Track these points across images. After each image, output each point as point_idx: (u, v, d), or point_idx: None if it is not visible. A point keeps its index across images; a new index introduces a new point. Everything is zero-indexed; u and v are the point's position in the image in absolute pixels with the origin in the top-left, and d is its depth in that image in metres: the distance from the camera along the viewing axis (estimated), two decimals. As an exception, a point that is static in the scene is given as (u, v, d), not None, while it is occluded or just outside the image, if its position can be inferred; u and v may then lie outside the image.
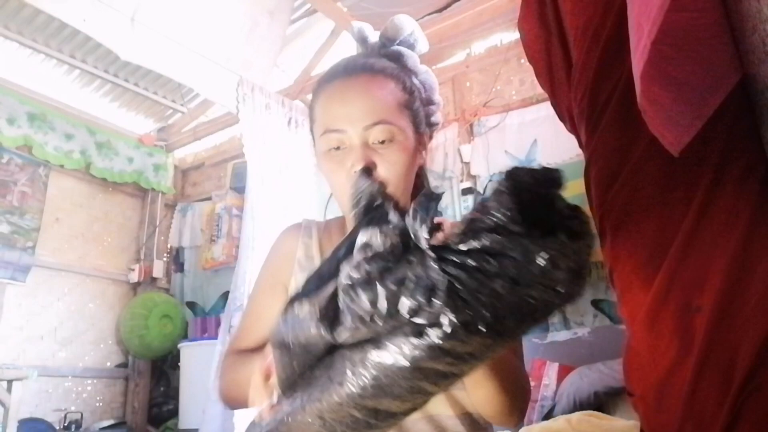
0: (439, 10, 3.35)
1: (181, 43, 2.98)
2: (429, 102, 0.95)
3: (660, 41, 0.61)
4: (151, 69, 3.17)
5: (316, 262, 0.92)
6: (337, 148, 0.83)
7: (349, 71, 0.86)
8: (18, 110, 3.66)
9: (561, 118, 1.10)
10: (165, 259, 4.58)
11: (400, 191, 0.84)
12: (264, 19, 3.21)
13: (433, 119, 0.97)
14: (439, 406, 0.81)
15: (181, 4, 2.92)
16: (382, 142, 0.81)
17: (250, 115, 3.14)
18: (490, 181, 3.21)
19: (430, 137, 0.98)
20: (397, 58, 0.92)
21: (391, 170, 0.81)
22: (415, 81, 0.93)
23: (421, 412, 0.79)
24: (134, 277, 4.30)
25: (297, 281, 0.92)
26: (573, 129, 1.02)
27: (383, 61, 0.89)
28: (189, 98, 4.36)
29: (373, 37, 0.97)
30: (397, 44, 0.94)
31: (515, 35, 3.26)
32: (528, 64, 1.15)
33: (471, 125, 3.39)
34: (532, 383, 2.53)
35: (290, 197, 3.19)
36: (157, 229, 4.52)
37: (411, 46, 0.95)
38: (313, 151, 0.90)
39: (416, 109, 0.89)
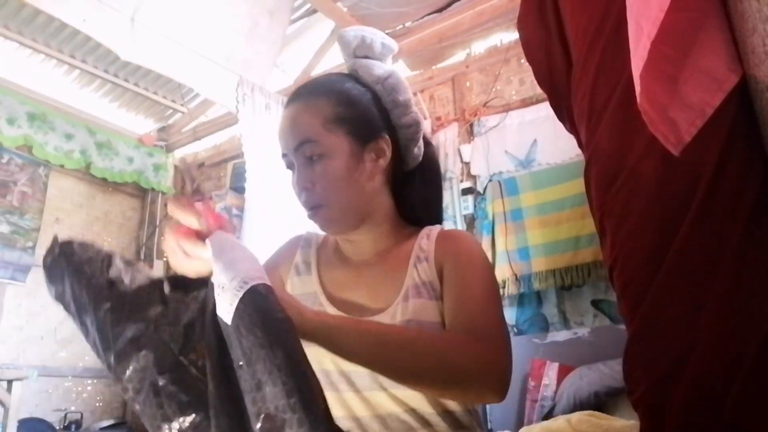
0: (439, 10, 3.35)
1: (181, 43, 2.98)
2: (393, 105, 0.97)
3: (660, 41, 0.61)
4: (151, 69, 3.17)
5: (313, 268, 0.98)
6: (291, 169, 0.93)
7: (289, 101, 0.95)
8: (18, 110, 3.66)
9: (561, 118, 1.10)
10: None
11: (342, 202, 0.90)
12: (264, 19, 3.21)
13: (403, 120, 0.98)
14: (419, 401, 0.83)
15: (181, 4, 2.92)
16: (311, 159, 0.89)
17: (249, 115, 3.14)
18: (489, 181, 3.21)
19: (411, 138, 1.00)
20: (355, 71, 0.99)
21: (324, 184, 0.89)
22: (376, 87, 0.97)
23: (401, 405, 0.82)
24: (134, 277, 4.30)
25: (293, 284, 0.98)
26: (573, 129, 1.02)
27: (323, 81, 0.97)
28: (189, 98, 4.36)
29: (347, 50, 1.01)
30: (355, 57, 0.99)
31: (515, 35, 3.26)
32: (528, 64, 1.15)
33: (471, 125, 3.39)
34: (532, 383, 2.53)
35: (290, 197, 3.19)
36: (157, 229, 4.52)
37: (368, 55, 0.99)
38: None
39: (357, 118, 0.92)
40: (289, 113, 0.93)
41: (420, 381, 0.75)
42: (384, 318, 0.86)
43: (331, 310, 0.90)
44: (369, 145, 0.92)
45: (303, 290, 0.95)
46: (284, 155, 0.94)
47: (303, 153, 0.89)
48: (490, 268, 0.93)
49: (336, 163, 0.88)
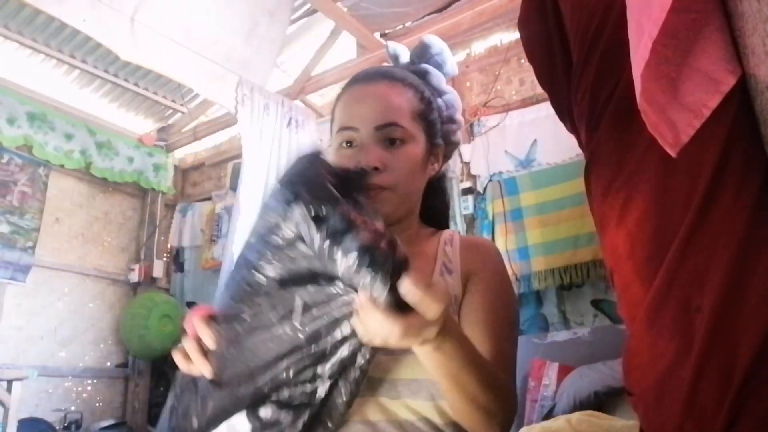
0: (439, 10, 3.35)
1: (181, 43, 2.98)
2: (449, 120, 0.99)
3: (660, 42, 0.62)
4: (151, 69, 3.17)
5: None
6: (349, 145, 0.88)
7: (370, 77, 0.92)
8: (18, 110, 3.66)
9: (561, 118, 1.10)
10: (165, 259, 4.58)
11: (406, 192, 0.88)
12: (264, 19, 3.21)
13: (453, 138, 1.01)
14: (430, 411, 0.81)
15: (181, 4, 2.92)
16: (393, 143, 0.86)
17: (248, 115, 3.14)
18: (489, 181, 3.21)
19: (448, 155, 1.01)
20: (423, 75, 0.98)
21: (396, 172, 0.86)
22: (438, 98, 0.98)
23: (415, 414, 0.80)
24: (134, 277, 4.30)
25: None
26: (573, 129, 1.02)
27: (407, 73, 0.95)
28: (189, 98, 4.36)
29: (405, 57, 1.04)
30: (425, 62, 1.00)
31: (515, 35, 3.26)
32: (528, 64, 1.16)
33: (471, 125, 3.39)
34: (532, 383, 2.53)
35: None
36: (157, 229, 4.52)
37: (438, 66, 1.01)
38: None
39: (432, 120, 0.93)
40: (375, 90, 0.89)
41: (481, 410, 0.72)
42: None
43: None
44: (434, 150, 0.94)
45: None
46: (349, 128, 0.88)
47: (386, 133, 0.86)
48: (514, 292, 0.93)
49: (415, 154, 0.88)
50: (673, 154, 0.66)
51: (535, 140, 3.13)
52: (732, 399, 0.64)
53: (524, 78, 3.31)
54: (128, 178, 4.31)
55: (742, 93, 0.68)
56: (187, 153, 4.86)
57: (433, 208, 1.02)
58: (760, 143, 0.69)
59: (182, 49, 3.00)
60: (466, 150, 3.33)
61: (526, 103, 3.24)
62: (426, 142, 0.91)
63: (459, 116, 1.02)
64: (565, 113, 1.05)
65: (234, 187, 4.32)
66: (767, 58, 0.62)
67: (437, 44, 1.01)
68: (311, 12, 3.54)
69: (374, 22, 3.39)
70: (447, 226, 1.04)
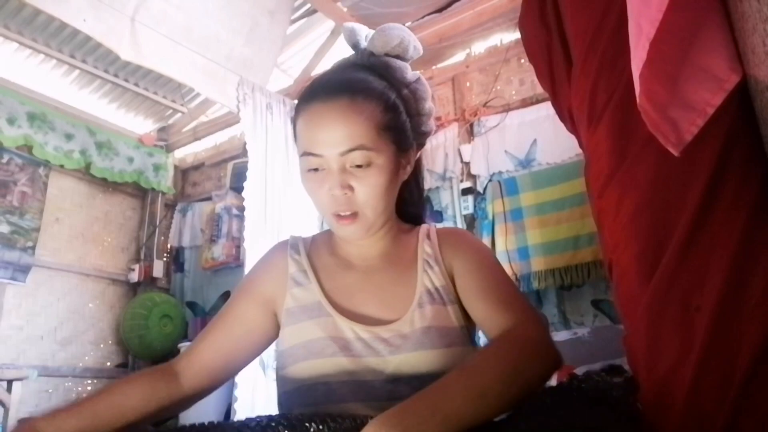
0: (439, 10, 3.35)
1: (181, 43, 2.98)
2: (418, 113, 0.96)
3: (659, 41, 0.62)
4: (151, 69, 3.17)
5: (311, 276, 0.93)
6: (316, 170, 0.85)
7: (328, 91, 0.85)
8: (18, 110, 3.66)
9: (561, 118, 1.10)
10: (165, 259, 4.58)
11: (378, 211, 0.87)
12: (264, 19, 3.21)
13: (423, 128, 0.97)
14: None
15: (181, 5, 2.92)
16: (360, 167, 0.83)
17: (251, 115, 3.14)
18: (489, 181, 3.21)
19: (422, 143, 0.99)
20: (385, 70, 0.93)
21: (368, 193, 0.84)
22: (404, 92, 0.93)
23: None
24: (134, 277, 4.30)
25: (293, 296, 0.92)
26: (573, 129, 1.02)
27: (365, 79, 0.89)
28: (189, 98, 4.36)
29: (364, 40, 0.97)
30: (385, 54, 0.94)
31: (515, 35, 3.26)
32: (528, 64, 1.16)
33: (471, 125, 3.39)
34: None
35: (292, 197, 3.19)
36: (157, 229, 4.52)
37: (400, 56, 0.95)
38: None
39: (400, 126, 0.90)
40: (336, 111, 0.83)
41: (515, 398, 0.71)
42: (401, 327, 0.84)
43: (341, 321, 0.87)
44: (405, 154, 0.92)
45: (305, 301, 0.91)
46: (312, 154, 0.84)
47: (352, 159, 0.82)
48: (493, 254, 0.96)
49: (384, 172, 0.85)
50: (675, 153, 0.66)
51: (535, 140, 3.13)
52: (733, 398, 0.63)
53: (524, 78, 3.31)
54: (128, 178, 4.31)
55: (742, 93, 0.68)
56: (187, 153, 4.86)
57: (408, 204, 1.01)
58: (760, 143, 0.69)
59: (182, 49, 3.00)
60: (466, 150, 3.33)
61: (526, 103, 3.24)
62: (395, 153, 0.87)
63: (428, 104, 0.97)
64: (565, 113, 1.05)
65: (234, 187, 4.32)
66: (767, 58, 0.62)
67: (395, 33, 0.94)
68: (311, 12, 3.54)
69: (374, 22, 3.37)
70: (422, 217, 1.04)
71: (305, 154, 0.85)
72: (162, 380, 0.85)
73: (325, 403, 0.82)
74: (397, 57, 0.95)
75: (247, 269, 3.01)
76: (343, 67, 0.96)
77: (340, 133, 0.82)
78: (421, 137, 0.98)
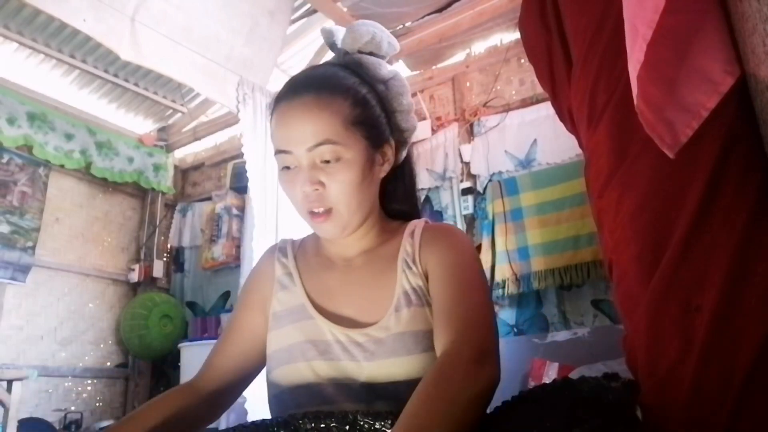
0: (439, 10, 3.35)
1: (181, 43, 2.98)
2: (395, 109, 0.95)
3: (656, 43, 0.62)
4: (151, 69, 3.17)
5: (296, 279, 0.94)
6: (288, 168, 0.86)
7: (296, 89, 0.87)
8: (18, 110, 3.66)
9: (561, 118, 1.10)
10: (165, 259, 4.58)
11: (353, 207, 0.86)
12: (264, 19, 3.21)
13: (403, 125, 0.97)
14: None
15: (181, 5, 2.92)
16: (328, 162, 0.83)
17: (250, 115, 3.14)
18: (489, 181, 3.21)
19: (404, 141, 0.98)
20: (358, 66, 0.93)
21: (339, 189, 0.84)
22: (379, 87, 0.93)
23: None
24: (134, 277, 4.30)
25: (279, 300, 0.94)
26: (573, 129, 1.02)
27: (334, 75, 0.90)
28: (189, 98, 4.36)
29: (363, 38, 0.97)
30: (358, 51, 0.95)
31: (515, 35, 3.26)
32: (528, 64, 1.16)
33: (471, 125, 3.39)
34: (532, 383, 2.53)
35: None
36: (157, 229, 4.52)
37: (373, 52, 0.95)
38: None
39: (372, 120, 0.89)
40: (302, 108, 0.84)
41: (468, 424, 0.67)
42: (377, 331, 0.83)
43: (322, 322, 0.87)
44: (379, 149, 0.91)
45: (290, 304, 0.92)
46: (284, 152, 0.85)
47: (320, 154, 0.83)
48: (471, 254, 0.89)
49: (355, 166, 0.84)
50: (671, 155, 0.66)
51: (535, 140, 3.13)
52: (733, 398, 0.64)
53: (524, 78, 3.31)
54: (128, 178, 4.31)
55: (742, 93, 0.68)
56: (187, 153, 4.86)
57: (392, 201, 0.99)
58: (760, 143, 0.69)
59: (182, 49, 3.00)
60: (466, 150, 3.33)
61: (526, 103, 3.24)
62: (367, 148, 0.87)
63: (407, 99, 0.96)
64: (565, 113, 1.05)
65: (234, 187, 4.32)
66: (767, 58, 0.62)
67: (365, 30, 0.94)
68: (311, 12, 3.54)
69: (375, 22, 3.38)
70: (416, 213, 1.02)
71: (277, 152, 0.87)
72: (183, 398, 0.88)
73: (309, 405, 0.82)
74: (371, 54, 0.95)
75: (244, 270, 3.02)
76: (316, 66, 0.97)
77: (306, 128, 0.83)
78: (401, 134, 0.97)
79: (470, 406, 0.68)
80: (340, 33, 0.98)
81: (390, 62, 1.03)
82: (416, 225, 0.94)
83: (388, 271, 0.89)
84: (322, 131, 0.83)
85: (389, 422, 0.74)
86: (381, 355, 0.82)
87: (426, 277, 0.87)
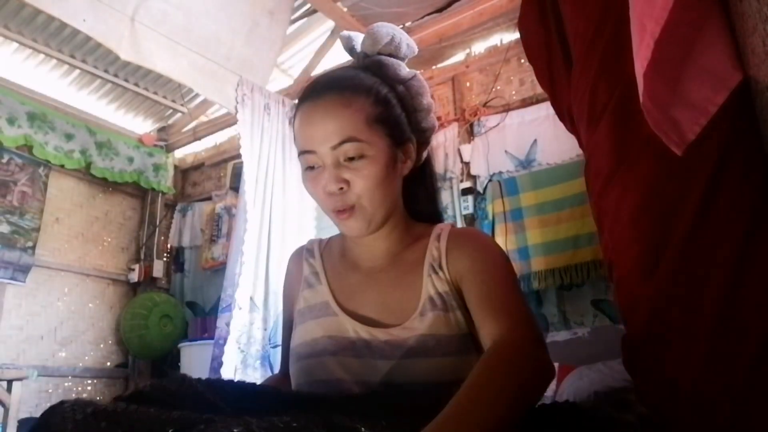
0: (439, 10, 3.35)
1: (181, 43, 2.98)
2: (416, 109, 0.96)
3: (663, 40, 0.61)
4: (151, 69, 3.17)
5: (322, 278, 0.97)
6: (312, 168, 0.87)
7: (317, 91, 0.88)
8: (18, 110, 3.66)
9: (561, 118, 1.10)
10: (165, 259, 4.58)
11: (376, 203, 0.87)
12: (264, 19, 3.21)
13: (423, 124, 0.98)
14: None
15: (181, 5, 2.92)
16: (352, 159, 0.84)
17: (249, 115, 3.13)
18: (489, 181, 3.21)
19: (425, 142, 1.00)
20: (378, 68, 0.95)
21: (364, 184, 0.85)
22: (399, 88, 0.94)
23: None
24: (134, 277, 4.30)
25: (304, 297, 0.97)
26: (573, 129, 1.02)
27: (356, 75, 0.92)
28: (189, 98, 4.36)
29: (359, 45, 0.99)
30: (378, 53, 0.96)
31: (515, 35, 3.26)
32: (528, 64, 1.16)
33: (471, 125, 3.39)
34: (532, 383, 2.53)
35: (291, 198, 3.18)
36: (157, 229, 4.52)
37: (393, 54, 0.97)
38: None
39: (394, 118, 0.91)
40: (324, 107, 0.86)
41: (519, 418, 0.66)
42: (401, 332, 0.84)
43: (345, 320, 0.88)
44: (401, 147, 0.92)
45: (314, 301, 0.94)
46: (308, 152, 0.87)
47: (344, 152, 0.84)
48: (501, 253, 0.90)
49: (378, 163, 0.85)
50: (678, 152, 0.65)
51: (535, 140, 3.13)
52: (736, 397, 0.64)
53: (524, 78, 3.31)
54: (128, 178, 4.31)
55: (742, 93, 0.68)
56: (187, 153, 4.86)
57: (415, 202, 1.00)
58: (760, 143, 0.69)
59: (182, 49, 3.00)
60: (466, 150, 3.33)
61: (526, 103, 3.24)
62: (389, 145, 0.88)
63: (427, 100, 0.98)
64: (564, 113, 1.05)
65: (234, 187, 4.32)
66: (767, 58, 0.62)
67: (385, 32, 0.96)
68: (311, 12, 3.54)
69: (374, 22, 3.38)
70: (438, 216, 1.03)
71: (301, 152, 0.88)
72: (288, 384, 0.96)
73: None
74: (391, 55, 0.96)
75: (242, 271, 3.00)
76: (337, 69, 0.99)
77: (329, 127, 0.84)
78: (422, 134, 0.98)
79: (530, 397, 0.69)
80: (358, 38, 1.00)
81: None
82: (443, 229, 0.94)
83: (414, 274, 0.89)
84: (346, 129, 0.84)
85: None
86: (402, 356, 0.82)
87: (452, 283, 0.87)
